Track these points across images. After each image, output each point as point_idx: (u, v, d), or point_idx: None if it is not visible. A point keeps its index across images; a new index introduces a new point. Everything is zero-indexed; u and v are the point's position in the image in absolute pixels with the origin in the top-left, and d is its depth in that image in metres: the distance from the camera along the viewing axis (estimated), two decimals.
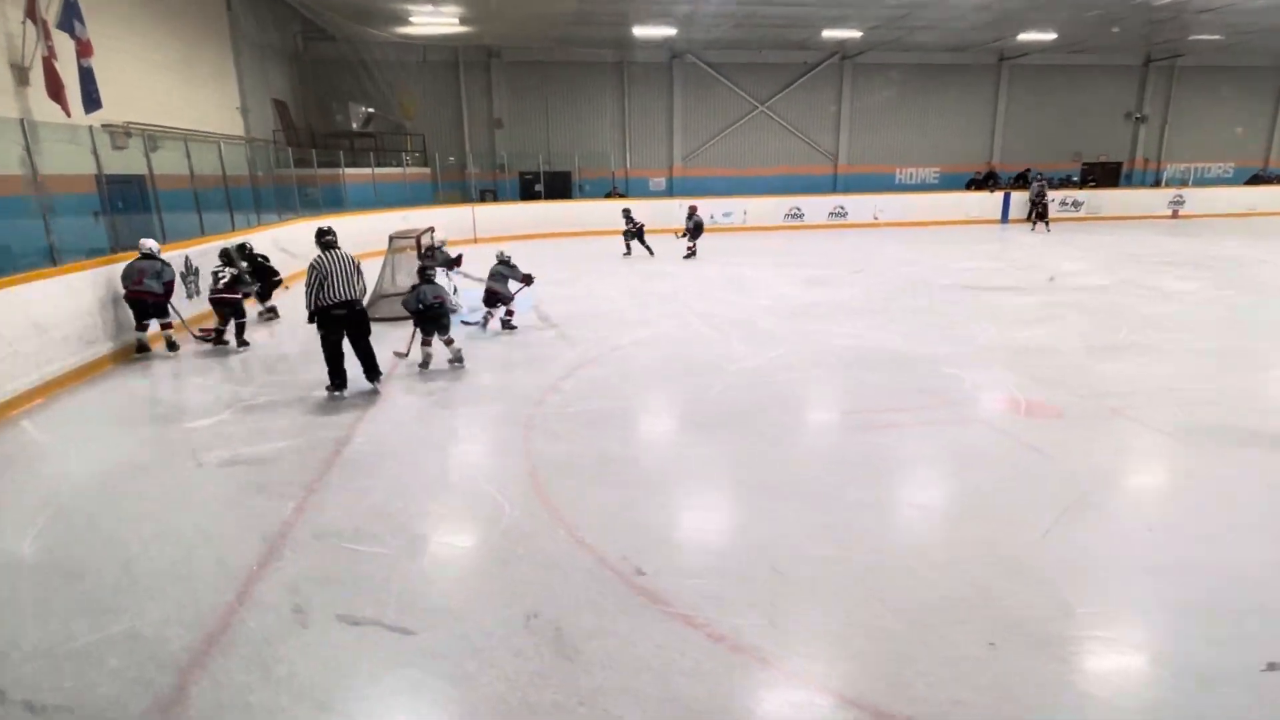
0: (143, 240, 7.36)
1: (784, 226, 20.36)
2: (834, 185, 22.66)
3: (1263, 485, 4.17)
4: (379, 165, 17.94)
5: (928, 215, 20.59)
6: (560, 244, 16.98)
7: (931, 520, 3.90)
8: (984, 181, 22.70)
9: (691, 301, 9.89)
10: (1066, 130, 23.66)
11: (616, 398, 5.83)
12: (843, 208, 20.70)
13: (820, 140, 22.83)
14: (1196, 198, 21.97)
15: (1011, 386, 5.99)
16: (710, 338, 7.83)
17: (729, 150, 22.37)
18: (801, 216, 20.54)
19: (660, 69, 21.53)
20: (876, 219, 20.54)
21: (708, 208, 20.13)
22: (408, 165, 19.03)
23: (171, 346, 7.45)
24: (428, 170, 19.59)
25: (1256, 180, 23.81)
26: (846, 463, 4.56)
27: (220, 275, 7.76)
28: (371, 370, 5.99)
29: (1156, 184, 23.68)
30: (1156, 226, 19.03)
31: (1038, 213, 19.07)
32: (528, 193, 21.00)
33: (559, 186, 21.07)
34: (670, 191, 22.08)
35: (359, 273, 5.78)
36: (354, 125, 19.37)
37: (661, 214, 19.80)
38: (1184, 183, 23.39)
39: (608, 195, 20.81)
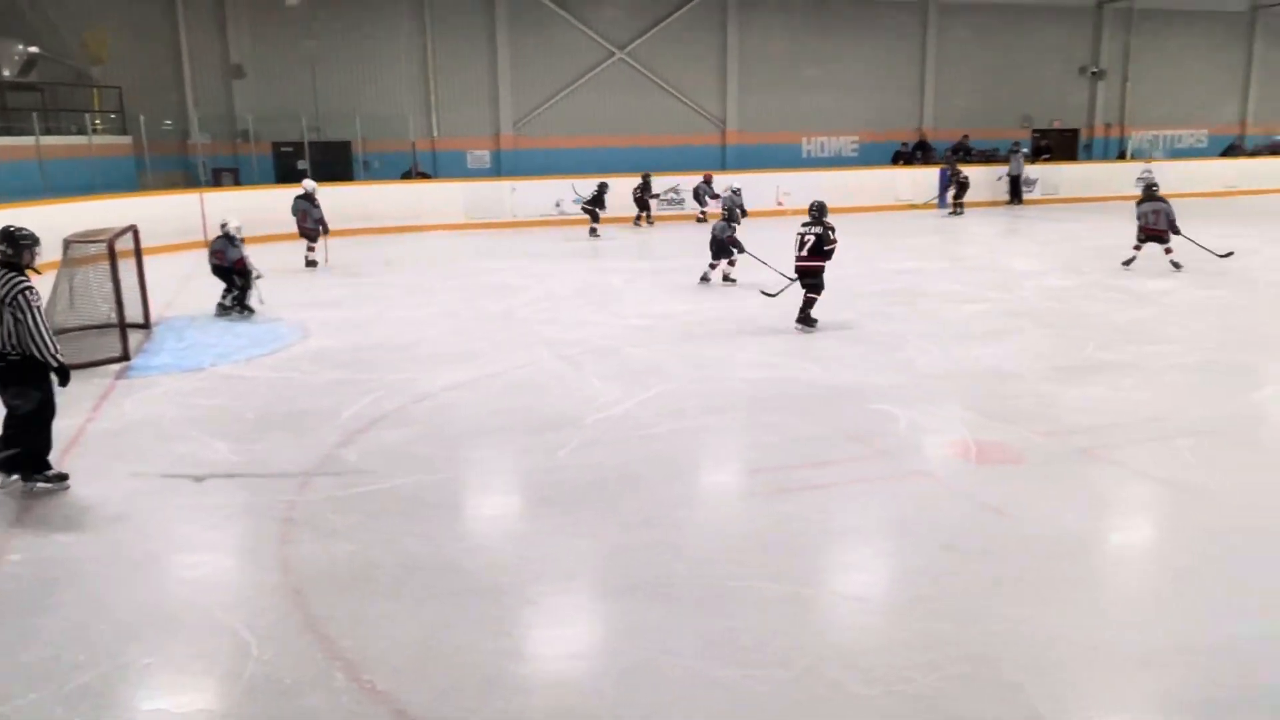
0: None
1: (660, 216, 20.89)
2: (723, 160, 23.58)
3: (1269, 539, 4.65)
4: (49, 133, 16.76)
5: (849, 198, 21.77)
6: (340, 246, 16.49)
7: (868, 617, 4.05)
8: (914, 154, 24.42)
9: (535, 324, 9.88)
10: (1012, 89, 25.99)
11: (425, 470, 5.68)
12: (736, 189, 21.48)
13: (702, 101, 23.75)
14: (1168, 173, 24.66)
15: (960, 425, 6.39)
16: (562, 375, 7.84)
17: (579, 113, 22.79)
18: (681, 203, 21.17)
19: None
20: (781, 205, 21.47)
21: (552, 190, 20.37)
22: (96, 132, 17.91)
23: None
24: (129, 140, 18.53)
25: (1231, 151, 27.13)
26: (753, 544, 4.65)
27: None
28: (6, 455, 5.27)
29: (1121, 155, 26.43)
30: (1125, 210, 21.14)
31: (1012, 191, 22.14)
32: (287, 173, 20.34)
33: (334, 164, 20.57)
34: (498, 170, 22.15)
35: None
36: (5, 72, 18.11)
37: (488, 199, 19.75)
38: (1151, 154, 26.26)
39: (405, 176, 20.55)
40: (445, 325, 9.95)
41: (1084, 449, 5.89)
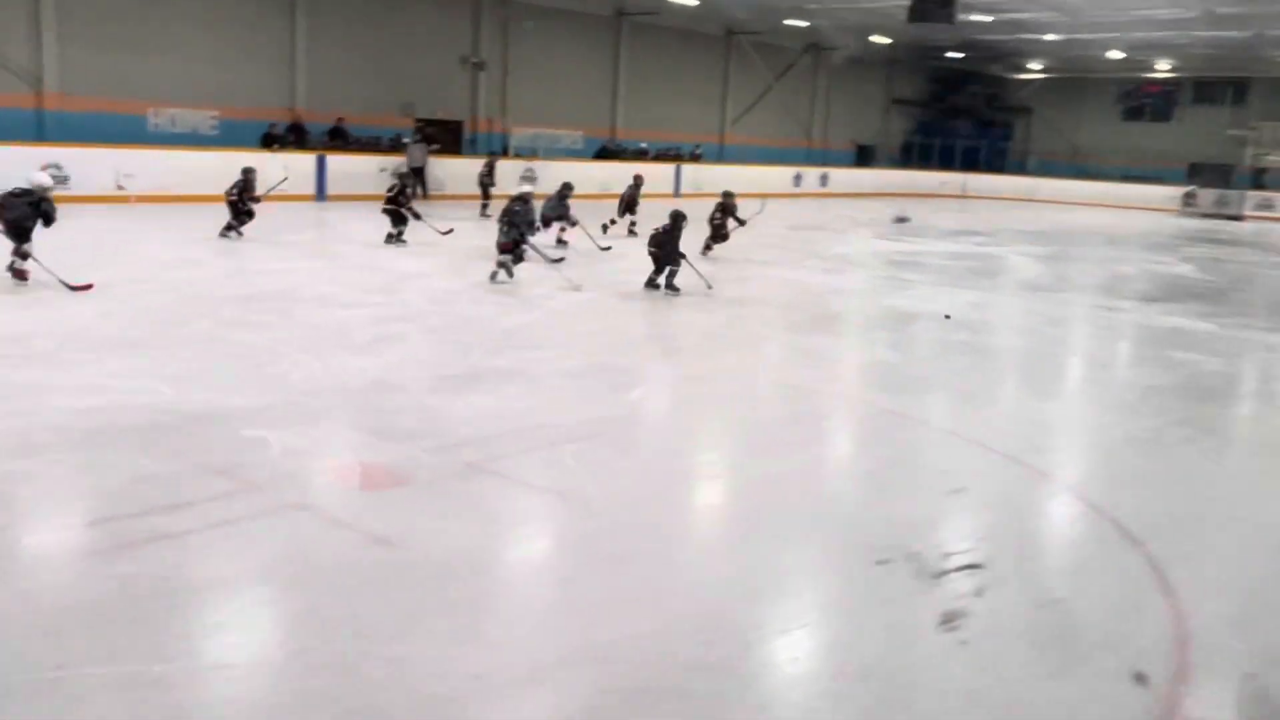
0: None
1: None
2: (40, 130, 21.22)
3: (642, 538, 5.42)
4: None
5: (208, 184, 20.85)
6: None
7: (234, 686, 3.89)
8: (286, 136, 24.25)
9: None
10: (393, 75, 27.10)
11: None
12: (60, 168, 19.37)
13: (6, 51, 21.03)
14: (549, 171, 27.75)
15: (343, 447, 6.49)
16: None
17: None
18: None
19: None
20: (123, 189, 19.99)
21: None
22: None
23: None
24: None
25: (604, 154, 31.46)
26: (84, 619, 4.21)
27: None
28: None
29: (505, 151, 29.07)
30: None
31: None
32: None
33: None
34: None
35: None
36: None
37: None
38: (534, 153, 29.32)
39: None
40: None
41: (472, 463, 6.32)
